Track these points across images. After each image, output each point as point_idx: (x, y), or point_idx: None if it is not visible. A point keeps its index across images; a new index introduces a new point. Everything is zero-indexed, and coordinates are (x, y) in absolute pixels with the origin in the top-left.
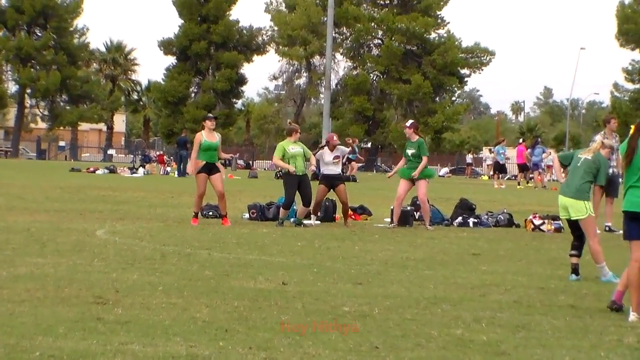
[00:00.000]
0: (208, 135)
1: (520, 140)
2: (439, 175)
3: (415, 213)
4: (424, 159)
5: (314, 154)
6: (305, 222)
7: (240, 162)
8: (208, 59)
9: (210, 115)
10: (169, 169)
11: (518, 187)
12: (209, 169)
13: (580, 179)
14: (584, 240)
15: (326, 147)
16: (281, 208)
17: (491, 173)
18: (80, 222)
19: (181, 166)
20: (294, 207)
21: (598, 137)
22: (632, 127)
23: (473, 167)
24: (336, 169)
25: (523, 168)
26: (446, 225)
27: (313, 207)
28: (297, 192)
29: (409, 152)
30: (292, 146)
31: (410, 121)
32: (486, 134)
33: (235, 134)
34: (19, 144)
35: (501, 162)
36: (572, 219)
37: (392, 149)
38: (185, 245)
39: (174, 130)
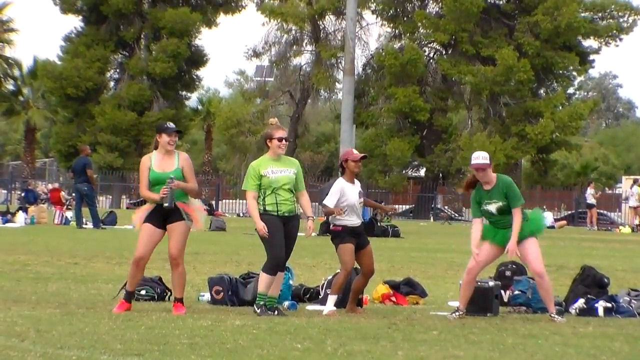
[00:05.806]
0: (161, 161)
1: None
2: (547, 227)
3: (503, 292)
4: (517, 213)
5: (320, 188)
6: (312, 307)
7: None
8: (139, 22)
9: (170, 125)
10: (69, 214)
11: None
12: (164, 216)
13: None
14: None
15: (341, 177)
16: (262, 272)
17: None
18: None
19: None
20: (288, 275)
21: None
22: None
23: (602, 212)
24: (359, 216)
25: None
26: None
27: (336, 281)
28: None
29: (492, 207)
30: (273, 167)
31: (484, 154)
32: (628, 153)
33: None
34: None
35: None
36: None
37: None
38: (100, 348)
39: (78, 147)
